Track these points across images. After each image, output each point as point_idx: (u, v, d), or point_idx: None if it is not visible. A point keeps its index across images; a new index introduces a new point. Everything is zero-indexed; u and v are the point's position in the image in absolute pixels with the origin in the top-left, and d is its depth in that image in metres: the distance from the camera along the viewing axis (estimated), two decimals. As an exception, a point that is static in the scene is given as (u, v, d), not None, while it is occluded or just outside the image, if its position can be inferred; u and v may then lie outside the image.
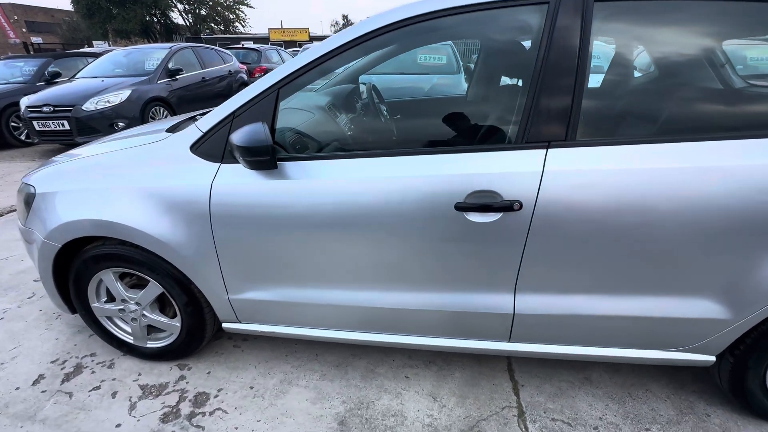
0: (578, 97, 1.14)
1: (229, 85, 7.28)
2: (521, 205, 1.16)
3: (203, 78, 6.59)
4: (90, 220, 1.42)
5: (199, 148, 1.36)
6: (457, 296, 1.35)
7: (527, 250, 1.23)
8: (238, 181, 1.31)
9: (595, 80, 1.26)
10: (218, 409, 1.52)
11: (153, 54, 6.20)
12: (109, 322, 1.72)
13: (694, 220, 1.11)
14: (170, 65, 6.00)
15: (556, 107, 1.15)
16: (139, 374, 1.68)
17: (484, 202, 1.18)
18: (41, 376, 1.67)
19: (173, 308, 1.67)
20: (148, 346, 1.71)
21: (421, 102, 1.39)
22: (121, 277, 1.62)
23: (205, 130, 1.35)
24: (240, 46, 10.08)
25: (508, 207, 1.16)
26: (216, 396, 1.57)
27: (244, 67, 8.11)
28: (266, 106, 1.29)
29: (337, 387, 1.61)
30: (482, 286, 1.32)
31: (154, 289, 1.56)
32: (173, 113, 5.91)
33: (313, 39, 25.25)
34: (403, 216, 1.23)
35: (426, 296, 1.36)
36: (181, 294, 1.52)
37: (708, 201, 1.09)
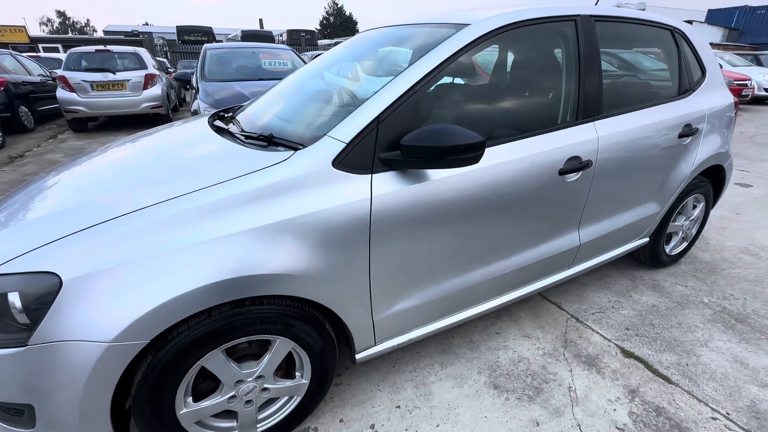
0: (600, 84, 1.69)
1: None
2: (592, 162, 1.64)
3: None
4: (217, 284, 1.02)
5: (342, 161, 1.20)
6: (546, 245, 1.72)
7: (590, 193, 1.72)
8: (399, 188, 1.25)
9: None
10: (393, 440, 1.39)
11: None
12: (200, 427, 1.23)
13: (651, 152, 1.86)
14: None
15: (593, 91, 1.67)
16: (264, 468, 1.29)
17: (575, 165, 1.59)
18: None
19: (282, 367, 1.37)
20: (259, 430, 1.32)
21: (510, 94, 1.66)
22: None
23: (347, 140, 1.20)
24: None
25: (586, 165, 1.62)
26: (376, 432, 1.42)
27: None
28: (411, 107, 1.28)
29: (462, 366, 1.72)
30: (562, 231, 1.75)
31: (283, 347, 1.24)
32: None
33: (33, 40, 18.55)
34: (528, 186, 1.51)
35: (530, 252, 1.68)
36: (319, 339, 1.29)
37: (654, 139, 1.85)
